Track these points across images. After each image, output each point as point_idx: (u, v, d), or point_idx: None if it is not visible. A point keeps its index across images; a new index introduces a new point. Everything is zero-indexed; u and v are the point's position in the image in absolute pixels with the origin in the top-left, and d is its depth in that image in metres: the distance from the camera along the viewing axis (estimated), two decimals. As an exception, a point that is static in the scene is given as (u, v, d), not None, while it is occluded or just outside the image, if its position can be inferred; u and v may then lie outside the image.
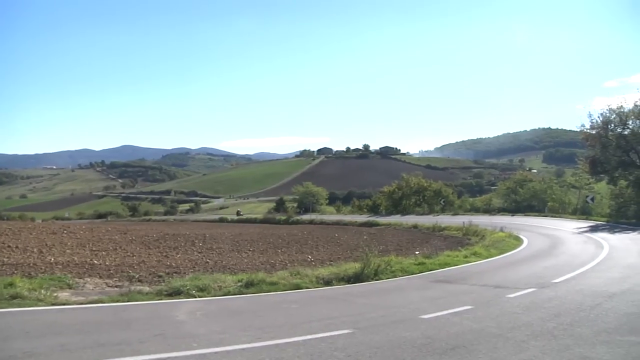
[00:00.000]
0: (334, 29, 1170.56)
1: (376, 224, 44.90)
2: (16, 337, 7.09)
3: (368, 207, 67.00)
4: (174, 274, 14.89)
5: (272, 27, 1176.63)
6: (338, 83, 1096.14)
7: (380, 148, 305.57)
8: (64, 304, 9.79)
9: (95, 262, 17.74)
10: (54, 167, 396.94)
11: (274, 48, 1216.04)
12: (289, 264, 17.94)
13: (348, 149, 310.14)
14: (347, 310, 9.93)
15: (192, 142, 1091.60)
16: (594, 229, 30.12)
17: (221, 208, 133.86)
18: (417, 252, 20.14)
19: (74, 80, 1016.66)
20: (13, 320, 8.24)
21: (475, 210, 55.58)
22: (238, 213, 76.92)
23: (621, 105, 38.03)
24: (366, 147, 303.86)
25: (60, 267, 15.67)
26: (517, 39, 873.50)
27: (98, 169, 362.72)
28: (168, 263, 18.41)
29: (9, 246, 22.45)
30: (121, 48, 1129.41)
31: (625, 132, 38.41)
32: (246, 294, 11.63)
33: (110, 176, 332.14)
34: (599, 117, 39.01)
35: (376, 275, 14.36)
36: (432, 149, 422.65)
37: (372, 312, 9.53)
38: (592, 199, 44.66)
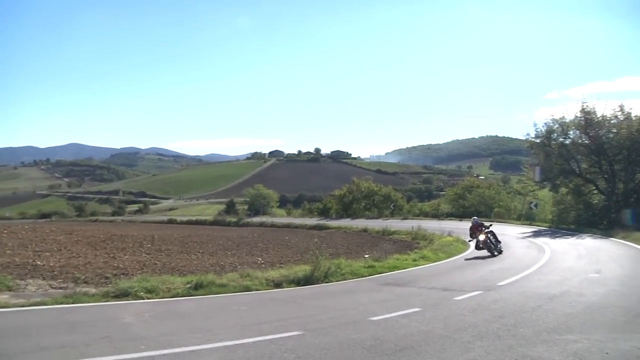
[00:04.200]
0: (284, 30, 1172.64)
1: (326, 227, 45.06)
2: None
3: (318, 211, 67.14)
4: (122, 276, 14.59)
5: (221, 27, 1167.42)
6: (291, 85, 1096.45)
7: (331, 152, 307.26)
8: (2, 307, 9.42)
9: (39, 263, 17.15)
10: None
11: (226, 49, 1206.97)
12: (238, 266, 17.82)
13: (299, 152, 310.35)
14: (297, 312, 9.96)
15: (142, 141, 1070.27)
16: (536, 234, 31.17)
17: (170, 209, 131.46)
18: (366, 256, 20.35)
19: (19, 75, 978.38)
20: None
21: (424, 215, 56.38)
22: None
23: (563, 116, 39.61)
24: (317, 150, 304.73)
25: (0, 268, 15.07)
26: (466, 50, 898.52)
27: (43, 167, 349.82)
28: (115, 264, 18.00)
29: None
30: (68, 44, 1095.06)
31: (567, 142, 39.93)
32: (195, 295, 11.52)
33: (56, 175, 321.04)
34: (543, 126, 40.47)
35: (326, 277, 14.44)
36: (383, 153, 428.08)
37: (321, 314, 9.58)
38: (536, 205, 46.13)
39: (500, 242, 21.73)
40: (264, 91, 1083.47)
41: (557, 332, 7.86)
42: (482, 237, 21.22)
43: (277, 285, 13.36)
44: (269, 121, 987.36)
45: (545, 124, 40.33)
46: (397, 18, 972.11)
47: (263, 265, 18.47)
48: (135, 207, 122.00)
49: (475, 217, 24.15)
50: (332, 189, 78.43)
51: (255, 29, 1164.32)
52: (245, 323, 8.66)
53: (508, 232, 32.37)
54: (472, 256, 20.94)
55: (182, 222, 63.02)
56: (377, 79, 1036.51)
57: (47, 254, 21.07)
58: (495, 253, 20.90)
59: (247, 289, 12.61)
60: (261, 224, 52.96)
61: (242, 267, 16.90)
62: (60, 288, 12.14)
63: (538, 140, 41.04)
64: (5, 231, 31.95)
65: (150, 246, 27.10)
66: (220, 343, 7.07)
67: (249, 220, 58.90)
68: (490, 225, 22.58)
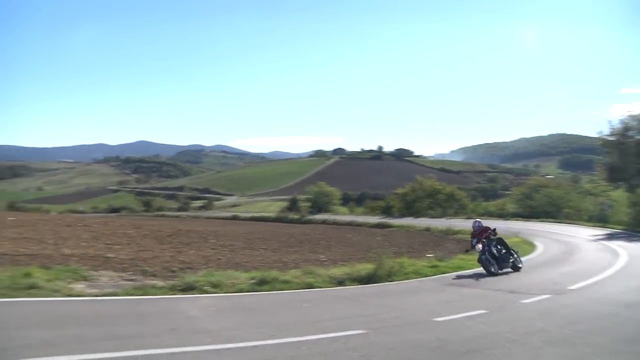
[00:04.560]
0: (349, 29, 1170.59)
1: (389, 226, 44.82)
2: (33, 326, 7.16)
3: (381, 209, 66.75)
4: (187, 270, 14.92)
5: (287, 26, 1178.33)
6: (353, 83, 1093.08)
7: (394, 150, 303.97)
8: (79, 296, 9.87)
9: (110, 255, 17.83)
10: (70, 160, 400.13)
11: (289, 46, 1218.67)
12: (301, 263, 17.91)
13: (362, 150, 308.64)
14: (361, 310, 9.92)
15: (207, 139, 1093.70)
16: (610, 237, 29.76)
17: (234, 206, 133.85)
18: (429, 255, 20.05)
19: (93, 75, 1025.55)
20: (30, 310, 8.34)
21: (489, 214, 55.03)
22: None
23: (641, 112, 37.73)
24: (380, 148, 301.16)
25: (76, 259, 15.73)
26: (535, 45, 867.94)
27: (113, 163, 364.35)
28: (181, 259, 18.45)
29: (25, 237, 22.63)
30: (139, 42, 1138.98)
31: (645, 140, 38.01)
32: (259, 291, 11.66)
33: (125, 171, 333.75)
34: (618, 123, 38.70)
35: (389, 276, 14.34)
36: (447, 151, 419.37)
37: (385, 313, 9.51)
38: (609, 207, 44.15)
39: (513, 254, 16.15)
40: (327, 89, 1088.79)
41: (637, 342, 7.44)
42: (479, 246, 15.59)
43: (340, 283, 13.36)
44: (332, 119, 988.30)
45: (621, 120, 38.59)
46: (466, 19, 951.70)
47: (325, 263, 18.49)
48: (199, 203, 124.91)
49: (478, 220, 17.31)
50: (394, 187, 77.55)
51: (324, 28, 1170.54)
52: (308, 320, 8.70)
53: (578, 234, 31.18)
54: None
55: (245, 219, 64.33)
56: (443, 77, 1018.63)
57: (117, 247, 21.89)
58: (502, 271, 15.37)
59: (310, 286, 12.67)
60: (323, 222, 53.31)
61: (305, 264, 16.97)
62: (130, 280, 12.56)
63: (612, 138, 39.31)
64: (80, 224, 33.49)
65: (215, 241, 27.66)
66: (284, 339, 7.12)
67: (311, 217, 59.43)
68: (494, 229, 16.66)
